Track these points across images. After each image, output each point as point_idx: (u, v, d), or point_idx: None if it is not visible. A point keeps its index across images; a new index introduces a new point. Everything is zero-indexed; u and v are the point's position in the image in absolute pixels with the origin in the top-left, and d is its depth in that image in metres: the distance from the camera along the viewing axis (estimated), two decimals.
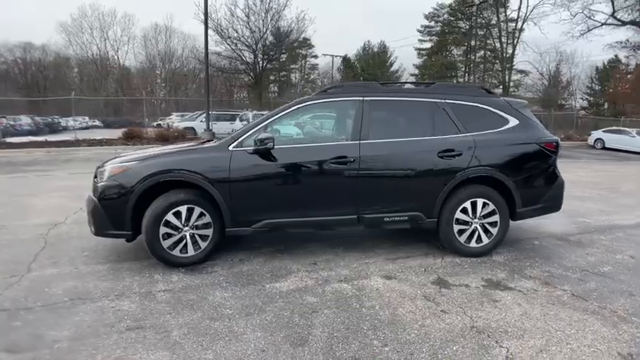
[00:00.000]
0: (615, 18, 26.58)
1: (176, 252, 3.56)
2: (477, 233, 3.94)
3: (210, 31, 19.08)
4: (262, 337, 2.54)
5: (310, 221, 3.76)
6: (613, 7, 26.23)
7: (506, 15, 36.17)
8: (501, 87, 36.63)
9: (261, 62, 23.18)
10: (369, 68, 48.50)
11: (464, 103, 4.01)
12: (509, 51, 35.09)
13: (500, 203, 3.91)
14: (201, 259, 3.66)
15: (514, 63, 35.68)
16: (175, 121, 24.06)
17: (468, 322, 2.77)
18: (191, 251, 3.60)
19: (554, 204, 4.16)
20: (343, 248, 4.18)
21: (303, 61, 47.85)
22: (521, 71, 38.25)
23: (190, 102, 35.43)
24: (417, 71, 47.80)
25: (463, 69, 45.28)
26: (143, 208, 3.52)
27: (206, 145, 4.00)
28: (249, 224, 3.66)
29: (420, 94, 4.06)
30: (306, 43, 36.91)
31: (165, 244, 3.51)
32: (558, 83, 41.34)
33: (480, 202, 3.88)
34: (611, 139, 22.90)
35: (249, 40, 22.29)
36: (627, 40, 29.30)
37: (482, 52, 42.00)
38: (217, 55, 23.17)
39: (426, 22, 45.99)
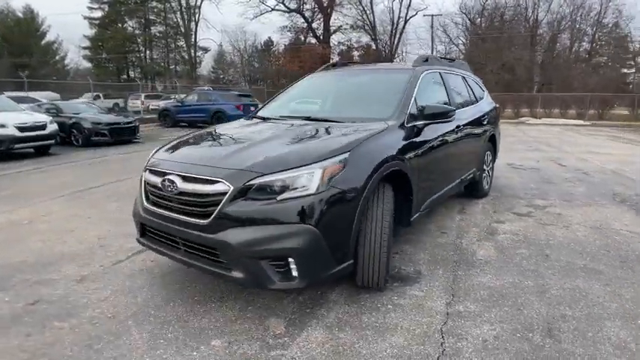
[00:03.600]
0: (284, 5, 32.78)
1: None
2: (487, 178, 5.22)
3: None
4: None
5: (443, 193, 3.86)
6: None
7: None
8: (188, 64, 37.75)
9: None
10: (15, 38, 37.45)
11: (471, 77, 5.04)
12: (192, 28, 36.31)
13: (492, 153, 5.33)
14: None
15: (198, 40, 37.31)
16: None
17: (589, 228, 4.12)
18: None
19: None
20: None
21: None
22: (203, 48, 40.40)
23: None
24: (89, 43, 40.97)
25: (142, 43, 42.67)
26: None
27: (371, 124, 2.93)
28: (419, 208, 3.34)
29: (456, 68, 4.73)
30: None
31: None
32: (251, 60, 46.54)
33: (488, 154, 5.15)
34: None
35: None
36: (292, 25, 36.76)
37: (163, 27, 41.03)
38: None
39: None
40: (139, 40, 41.55)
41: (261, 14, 34.45)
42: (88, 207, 5.00)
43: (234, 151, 2.52)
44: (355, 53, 42.62)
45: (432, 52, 41.12)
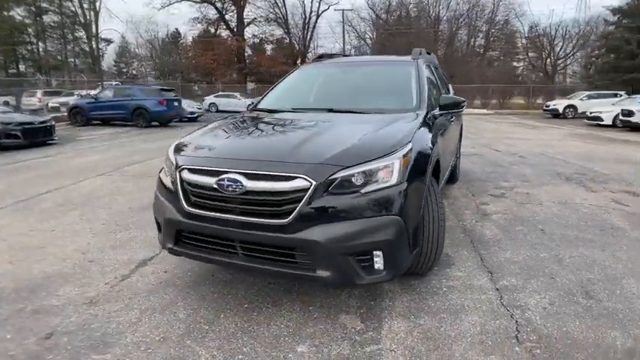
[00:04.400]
0: None
1: None
2: (458, 164, 5.61)
3: None
4: None
5: (445, 180, 4.05)
6: None
7: None
8: (89, 57, 34.07)
9: None
10: None
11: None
12: (93, 18, 32.67)
13: (460, 141, 5.73)
14: None
15: (100, 31, 33.70)
16: None
17: (558, 204, 4.65)
18: None
19: None
20: None
21: None
22: (106, 40, 36.60)
23: None
24: None
25: (34, 34, 37.06)
26: None
27: (404, 114, 2.96)
28: None
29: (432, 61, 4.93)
30: None
31: None
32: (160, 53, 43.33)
33: (459, 141, 5.54)
34: (223, 103, 28.00)
35: None
36: (204, 16, 35.04)
37: (58, 15, 35.99)
38: None
39: None
40: (30, 30, 35.94)
41: (170, 4, 32.33)
42: (44, 219, 4.31)
43: (296, 144, 2.36)
44: (268, 47, 42.14)
45: (345, 47, 42.40)
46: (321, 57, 4.54)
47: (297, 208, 2.08)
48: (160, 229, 2.75)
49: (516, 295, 2.62)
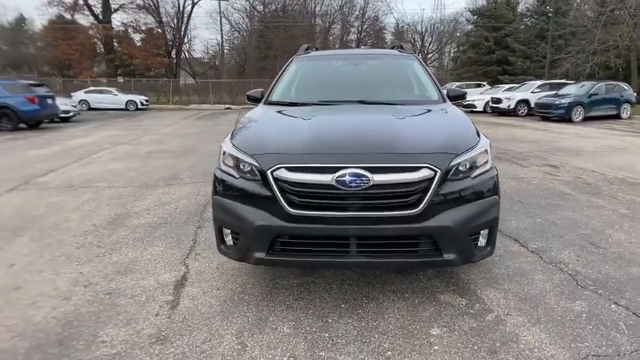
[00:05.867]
0: None
1: None
2: None
3: None
4: None
5: None
6: None
7: None
8: None
9: None
10: None
11: None
12: None
13: None
14: None
15: None
16: None
17: (512, 179, 5.44)
18: None
19: None
20: None
21: None
22: None
23: None
24: None
25: None
26: None
27: (439, 105, 3.20)
28: None
29: None
30: None
31: None
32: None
33: None
34: (96, 99, 24.61)
35: None
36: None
37: None
38: None
39: None
40: None
41: None
42: None
43: (394, 134, 2.39)
44: (137, 37, 38.24)
45: (222, 39, 41.00)
46: (308, 49, 4.45)
47: (426, 197, 2.14)
48: (222, 241, 2.49)
49: (550, 254, 3.10)
